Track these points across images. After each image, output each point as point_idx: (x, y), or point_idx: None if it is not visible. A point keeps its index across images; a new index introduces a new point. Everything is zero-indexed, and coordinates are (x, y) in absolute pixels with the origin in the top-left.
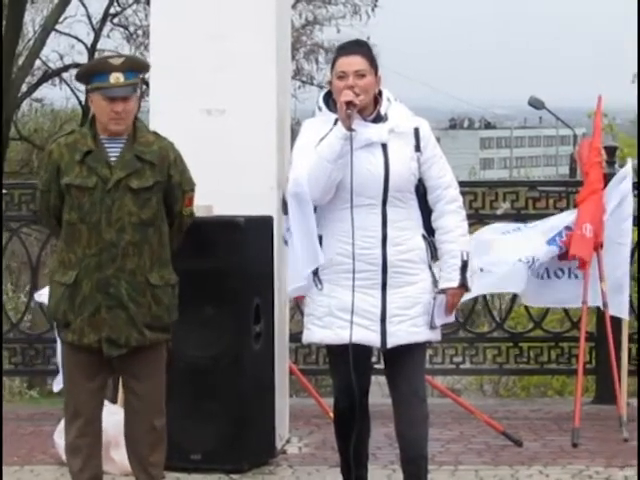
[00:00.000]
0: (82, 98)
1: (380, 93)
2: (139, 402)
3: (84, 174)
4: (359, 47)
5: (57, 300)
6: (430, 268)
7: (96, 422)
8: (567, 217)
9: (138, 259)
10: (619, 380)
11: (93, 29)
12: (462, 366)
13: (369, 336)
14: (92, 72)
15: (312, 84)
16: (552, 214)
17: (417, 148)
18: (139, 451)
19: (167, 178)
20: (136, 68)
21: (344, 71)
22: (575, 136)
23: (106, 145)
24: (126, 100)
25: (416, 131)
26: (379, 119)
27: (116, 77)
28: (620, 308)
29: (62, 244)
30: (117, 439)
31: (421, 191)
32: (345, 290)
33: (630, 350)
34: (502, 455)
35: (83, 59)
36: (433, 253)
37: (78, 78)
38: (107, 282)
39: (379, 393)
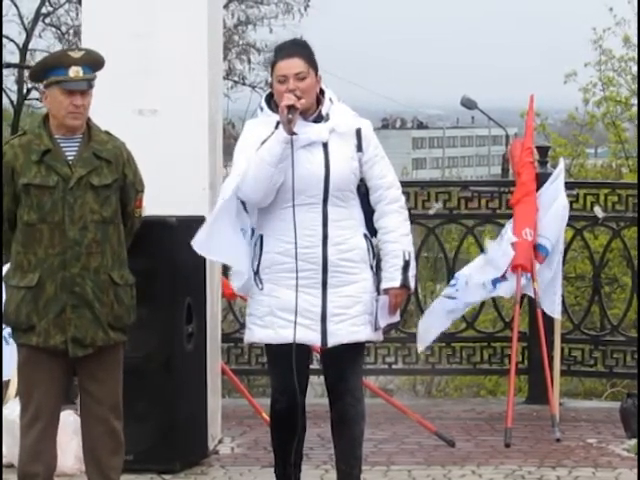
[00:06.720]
0: (14, 98)
1: (323, 93)
2: (97, 405)
3: (43, 173)
4: (297, 48)
5: (17, 304)
6: (372, 268)
7: (54, 426)
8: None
9: (101, 257)
10: (551, 380)
11: (25, 29)
12: (394, 366)
13: (310, 335)
14: (50, 66)
15: (244, 84)
16: (484, 214)
17: (359, 148)
18: (98, 454)
19: (122, 177)
20: (93, 63)
21: (284, 75)
22: (507, 136)
23: (62, 144)
24: (84, 94)
25: (358, 131)
26: (320, 119)
27: (75, 70)
28: (553, 308)
29: (18, 247)
30: None
31: (362, 191)
32: (287, 290)
33: (562, 350)
34: (435, 455)
35: (15, 59)
36: (374, 253)
37: (33, 74)
38: (72, 281)
39: (311, 393)
